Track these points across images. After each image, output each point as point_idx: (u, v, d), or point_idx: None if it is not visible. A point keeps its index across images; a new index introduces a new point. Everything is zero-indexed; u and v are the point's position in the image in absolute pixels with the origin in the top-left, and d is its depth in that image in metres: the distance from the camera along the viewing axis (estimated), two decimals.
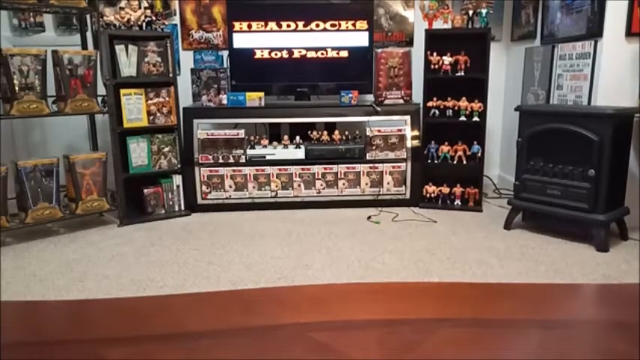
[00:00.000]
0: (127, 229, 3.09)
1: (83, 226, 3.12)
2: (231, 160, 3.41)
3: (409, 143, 3.45)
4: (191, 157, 3.39)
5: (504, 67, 4.03)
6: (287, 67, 3.61)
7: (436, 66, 3.34)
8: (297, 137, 3.47)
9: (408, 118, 3.46)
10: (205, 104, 3.47)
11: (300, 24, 3.54)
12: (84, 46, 3.27)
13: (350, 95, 3.46)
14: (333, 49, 3.59)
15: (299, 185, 3.43)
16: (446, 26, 3.45)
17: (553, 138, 2.71)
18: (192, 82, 3.55)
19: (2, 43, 3.37)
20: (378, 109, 3.43)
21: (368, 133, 3.44)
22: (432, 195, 3.45)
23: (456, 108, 3.35)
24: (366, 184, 3.45)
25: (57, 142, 3.69)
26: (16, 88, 2.72)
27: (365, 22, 3.56)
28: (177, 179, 3.39)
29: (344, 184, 3.44)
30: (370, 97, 3.64)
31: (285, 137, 3.51)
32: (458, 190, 3.43)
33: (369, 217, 3.22)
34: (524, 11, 3.70)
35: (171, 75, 3.27)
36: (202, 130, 3.42)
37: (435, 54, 3.33)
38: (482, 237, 2.83)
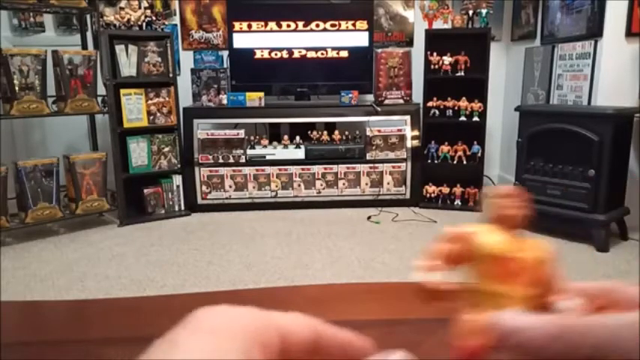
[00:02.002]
0: (127, 229, 3.09)
1: (83, 226, 3.12)
2: (231, 160, 3.41)
3: (409, 143, 3.45)
4: (191, 157, 3.39)
5: (504, 67, 4.03)
6: (287, 67, 3.61)
7: (436, 66, 3.34)
8: (297, 137, 3.47)
9: (408, 118, 3.45)
10: (205, 104, 3.47)
11: (300, 24, 3.54)
12: (84, 46, 3.27)
13: (350, 95, 3.46)
14: (333, 49, 3.59)
15: (299, 185, 3.43)
16: (446, 26, 3.45)
17: (553, 138, 2.71)
18: (192, 82, 3.55)
19: (2, 43, 3.37)
20: (378, 109, 3.43)
21: (368, 133, 3.44)
22: (432, 195, 3.45)
23: (456, 108, 3.35)
24: (366, 184, 3.44)
25: (57, 142, 3.69)
26: (16, 88, 2.72)
27: (365, 22, 3.56)
28: (177, 179, 3.39)
29: (344, 184, 3.44)
30: (370, 97, 3.64)
31: (285, 137, 3.51)
32: (458, 190, 3.43)
33: (369, 217, 3.22)
34: (524, 11, 3.70)
35: (171, 75, 3.27)
36: (202, 130, 3.42)
37: (435, 54, 3.33)
38: None
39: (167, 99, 3.27)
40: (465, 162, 3.38)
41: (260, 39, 3.57)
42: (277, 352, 0.21)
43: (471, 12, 3.32)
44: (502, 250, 0.27)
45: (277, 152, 3.42)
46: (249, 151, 3.42)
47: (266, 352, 0.20)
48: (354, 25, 3.55)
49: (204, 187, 3.41)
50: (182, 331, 0.19)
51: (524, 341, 0.21)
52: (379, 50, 3.54)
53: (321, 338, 0.23)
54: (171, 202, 3.38)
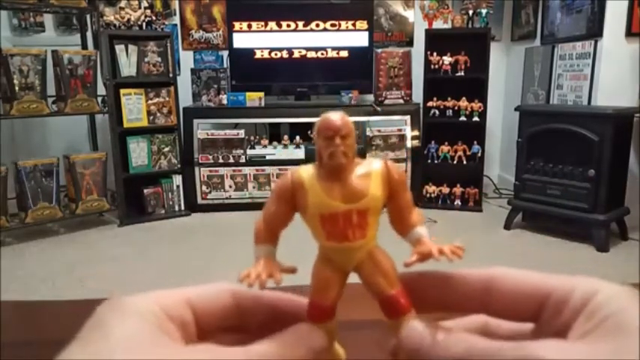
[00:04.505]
0: (127, 229, 3.09)
1: (83, 226, 3.12)
2: (231, 160, 3.41)
3: (409, 143, 3.45)
4: (191, 157, 3.39)
5: (504, 67, 4.03)
6: (287, 67, 3.61)
7: (436, 66, 3.34)
8: (297, 137, 3.47)
9: (408, 118, 3.45)
10: (205, 104, 3.47)
11: (300, 24, 3.54)
12: (84, 46, 3.27)
13: (350, 95, 3.46)
14: (333, 49, 3.59)
15: None
16: (446, 26, 3.45)
17: (553, 138, 2.70)
18: (192, 82, 3.55)
19: (2, 43, 3.37)
20: (378, 109, 3.43)
21: (368, 133, 3.44)
22: (432, 195, 3.45)
23: (456, 108, 3.35)
24: None
25: (57, 142, 3.68)
26: (16, 88, 2.72)
27: (365, 22, 3.56)
28: (178, 179, 3.39)
29: None
30: (370, 97, 3.64)
31: (285, 137, 3.51)
32: (458, 190, 3.43)
33: None
34: (524, 11, 3.70)
35: (171, 75, 3.27)
36: (202, 130, 3.42)
37: (435, 54, 3.33)
38: (482, 237, 2.83)
39: (167, 99, 3.27)
40: (464, 162, 3.38)
41: (260, 39, 3.57)
42: (193, 323, 0.24)
43: (471, 12, 3.32)
44: (329, 206, 0.24)
45: (277, 152, 3.42)
46: (249, 151, 3.42)
47: (182, 327, 0.23)
48: (354, 25, 3.55)
49: (204, 187, 3.41)
50: (110, 315, 0.21)
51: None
52: (379, 50, 3.54)
53: (244, 302, 0.25)
54: (171, 202, 3.38)
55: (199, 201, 3.41)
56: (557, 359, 0.18)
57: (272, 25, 3.54)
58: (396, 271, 0.25)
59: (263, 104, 3.44)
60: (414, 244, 0.26)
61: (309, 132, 3.49)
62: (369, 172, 0.24)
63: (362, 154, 3.64)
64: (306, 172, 0.25)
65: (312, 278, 0.26)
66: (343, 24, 3.55)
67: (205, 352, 0.21)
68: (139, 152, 3.25)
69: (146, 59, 3.18)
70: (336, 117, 0.24)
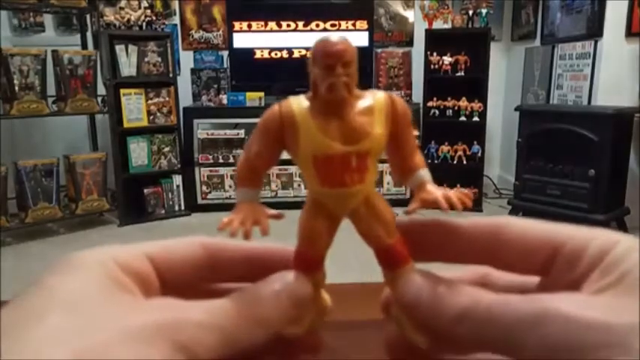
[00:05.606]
0: (127, 229, 3.08)
1: (83, 226, 3.12)
2: (231, 160, 3.41)
3: None
4: (191, 157, 3.38)
5: (504, 67, 4.02)
6: (287, 67, 3.61)
7: (436, 66, 3.34)
8: None
9: None
10: (205, 104, 3.47)
11: (300, 24, 3.54)
12: (84, 46, 3.27)
13: None
14: None
15: (299, 185, 3.43)
16: (446, 26, 3.45)
17: (553, 138, 2.71)
18: (192, 82, 3.54)
19: (2, 43, 3.37)
20: None
21: None
22: None
23: (456, 108, 3.35)
24: None
25: (57, 142, 3.68)
26: (16, 88, 2.72)
27: (365, 22, 3.55)
28: (177, 179, 3.38)
29: None
30: None
31: None
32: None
33: None
34: (524, 11, 3.70)
35: (171, 75, 3.27)
36: (202, 130, 3.41)
37: (435, 54, 3.33)
38: None
39: (167, 99, 3.27)
40: (464, 162, 3.38)
41: (260, 39, 3.57)
42: (154, 277, 0.21)
43: (471, 12, 3.32)
44: (325, 147, 0.20)
45: None
46: None
47: (141, 281, 0.20)
48: (354, 25, 3.55)
49: (204, 187, 3.41)
50: (52, 271, 0.19)
51: (427, 317, 0.20)
52: (379, 50, 3.54)
53: (218, 253, 0.23)
54: (171, 202, 3.38)
55: (199, 201, 3.41)
56: (577, 312, 0.16)
57: (272, 25, 3.54)
58: (394, 219, 0.23)
59: (263, 104, 3.44)
60: (417, 188, 0.23)
61: None
62: (372, 106, 0.21)
63: None
64: (298, 105, 0.22)
65: (300, 226, 0.23)
66: (343, 24, 3.55)
67: (158, 306, 0.18)
68: (139, 152, 3.24)
69: (146, 59, 3.18)
70: (336, 40, 0.20)
